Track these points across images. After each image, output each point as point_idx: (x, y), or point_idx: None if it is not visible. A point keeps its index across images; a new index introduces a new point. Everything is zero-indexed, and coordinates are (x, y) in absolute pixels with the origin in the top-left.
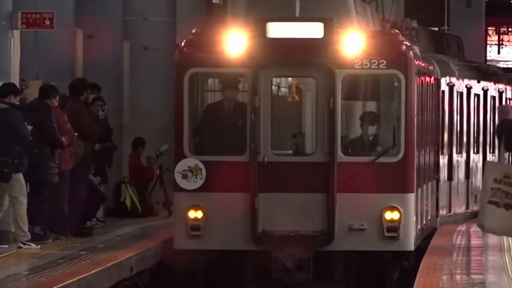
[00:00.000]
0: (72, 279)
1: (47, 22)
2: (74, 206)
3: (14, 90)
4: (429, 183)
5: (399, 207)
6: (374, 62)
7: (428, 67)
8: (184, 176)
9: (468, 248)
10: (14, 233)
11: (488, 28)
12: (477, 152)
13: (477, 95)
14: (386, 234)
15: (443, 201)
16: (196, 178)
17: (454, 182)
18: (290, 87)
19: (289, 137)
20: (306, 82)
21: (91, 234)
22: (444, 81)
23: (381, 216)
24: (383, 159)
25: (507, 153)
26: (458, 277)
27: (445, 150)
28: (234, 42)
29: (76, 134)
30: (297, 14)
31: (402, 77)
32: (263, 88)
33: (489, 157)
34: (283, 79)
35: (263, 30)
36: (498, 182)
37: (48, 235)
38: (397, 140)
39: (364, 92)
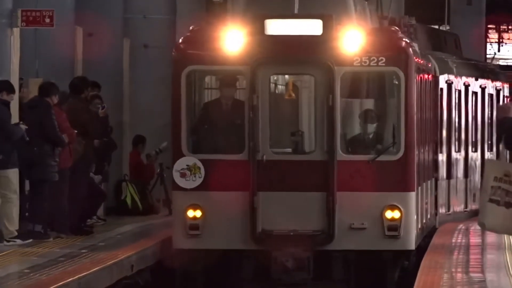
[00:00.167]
0: (72, 277)
1: (47, 20)
2: (74, 204)
3: (7, 87)
4: (428, 182)
5: (399, 206)
6: (374, 60)
7: (427, 64)
8: (183, 175)
9: (469, 247)
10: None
11: (488, 26)
12: (475, 151)
13: (475, 93)
14: (387, 233)
15: (442, 200)
16: (194, 177)
17: (452, 181)
18: (287, 84)
19: (288, 135)
20: (305, 79)
21: (92, 232)
22: (442, 79)
23: (381, 215)
24: (383, 157)
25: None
26: (458, 275)
27: (444, 148)
28: (232, 39)
29: (76, 131)
30: (296, 11)
31: (402, 74)
32: (261, 86)
33: (487, 155)
34: (281, 76)
35: (262, 27)
36: (498, 181)
37: (49, 234)
38: (397, 138)
39: (363, 89)
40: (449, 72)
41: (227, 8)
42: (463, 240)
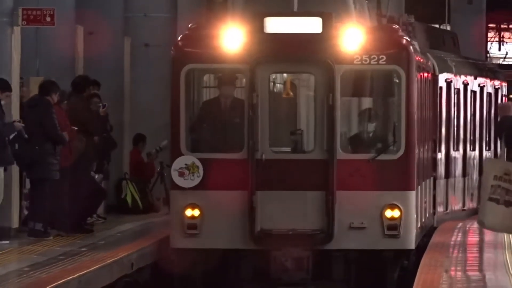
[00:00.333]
0: (72, 275)
1: (48, 19)
2: (75, 202)
3: (2, 86)
4: (427, 181)
5: (399, 205)
6: (374, 58)
7: (427, 63)
8: (181, 174)
9: (468, 245)
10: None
11: (489, 24)
12: (474, 149)
13: (474, 92)
14: (387, 232)
15: (440, 198)
16: (193, 176)
17: (451, 179)
18: (285, 83)
19: (287, 134)
20: (303, 78)
21: (92, 231)
22: (442, 78)
23: (381, 214)
24: (383, 156)
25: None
26: (458, 274)
27: (443, 147)
28: (231, 37)
29: (76, 128)
30: (295, 9)
31: (402, 72)
32: (260, 84)
33: (485, 154)
34: (280, 75)
35: (261, 25)
36: (498, 179)
37: (49, 232)
38: (397, 137)
39: (363, 88)
40: (448, 70)
41: (227, 6)
42: (463, 239)
